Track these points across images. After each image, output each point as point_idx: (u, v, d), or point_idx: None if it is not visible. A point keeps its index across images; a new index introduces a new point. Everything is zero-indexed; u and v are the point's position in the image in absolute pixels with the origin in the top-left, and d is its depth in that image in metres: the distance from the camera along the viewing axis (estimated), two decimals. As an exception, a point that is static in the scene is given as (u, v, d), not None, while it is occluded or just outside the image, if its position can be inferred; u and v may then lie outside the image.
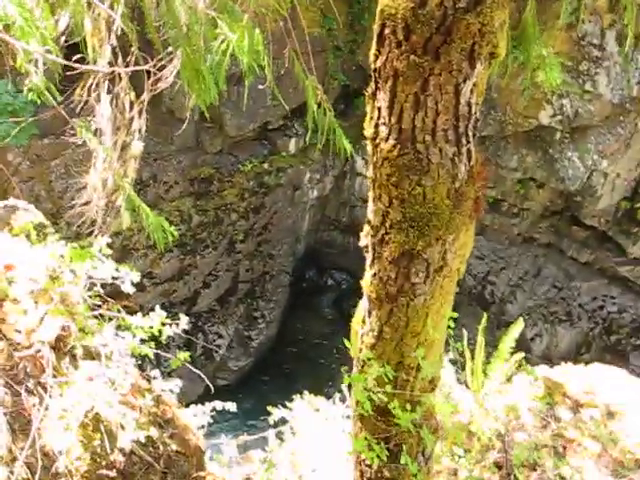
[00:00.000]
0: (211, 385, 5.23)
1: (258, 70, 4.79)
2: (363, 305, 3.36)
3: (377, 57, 2.71)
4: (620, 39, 11.98)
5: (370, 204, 3.03)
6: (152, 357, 4.07)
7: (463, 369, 8.14)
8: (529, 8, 4.55)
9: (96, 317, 3.99)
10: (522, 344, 14.33)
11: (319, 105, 4.33)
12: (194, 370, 4.58)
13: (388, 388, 3.30)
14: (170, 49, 5.22)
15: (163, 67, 5.18)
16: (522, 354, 7.85)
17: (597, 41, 12.13)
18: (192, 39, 4.88)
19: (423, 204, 2.79)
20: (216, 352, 13.54)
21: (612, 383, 7.46)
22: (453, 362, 8.61)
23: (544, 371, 7.82)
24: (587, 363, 14.68)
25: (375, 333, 3.28)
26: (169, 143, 12.85)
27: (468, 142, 2.76)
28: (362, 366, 3.39)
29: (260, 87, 5.12)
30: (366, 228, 3.11)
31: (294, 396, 6.06)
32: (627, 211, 13.71)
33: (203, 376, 4.54)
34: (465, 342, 7.84)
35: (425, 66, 2.55)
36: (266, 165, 13.56)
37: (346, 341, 3.45)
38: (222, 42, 4.58)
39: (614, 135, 12.67)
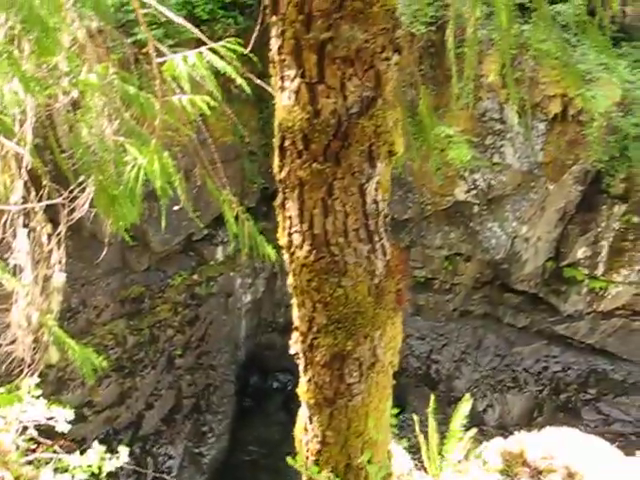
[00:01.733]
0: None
1: (173, 190, 4.81)
2: (303, 412, 3.33)
3: (281, 168, 2.78)
4: (518, 111, 12.57)
5: (295, 311, 3.04)
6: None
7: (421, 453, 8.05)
8: (422, 101, 4.73)
9: (31, 462, 3.82)
10: (475, 417, 14.34)
11: (237, 217, 4.36)
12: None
13: (341, 493, 3.23)
14: (82, 178, 5.23)
15: (77, 196, 5.17)
16: (474, 430, 7.84)
17: (497, 115, 12.69)
18: (103, 166, 4.90)
19: (346, 305, 2.82)
20: (168, 474, 13.05)
21: (568, 444, 7.48)
22: (409, 448, 8.53)
23: (500, 443, 7.80)
24: (541, 426, 14.73)
25: (319, 439, 3.24)
26: (95, 266, 12.67)
27: (381, 238, 2.82)
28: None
29: (175, 208, 5.12)
30: (294, 335, 3.11)
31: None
32: (554, 271, 14.07)
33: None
34: (417, 426, 7.79)
35: (328, 172, 2.62)
36: (196, 276, 13.49)
37: (289, 459, 3.37)
38: (133, 167, 4.62)
39: (528, 201, 13.12)
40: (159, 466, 12.94)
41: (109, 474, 4.02)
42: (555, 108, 12.34)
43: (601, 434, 14.15)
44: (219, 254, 13.70)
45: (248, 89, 3.57)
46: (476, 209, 13.39)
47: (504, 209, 13.28)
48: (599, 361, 14.54)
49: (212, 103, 3.62)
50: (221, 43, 3.42)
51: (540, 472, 7.03)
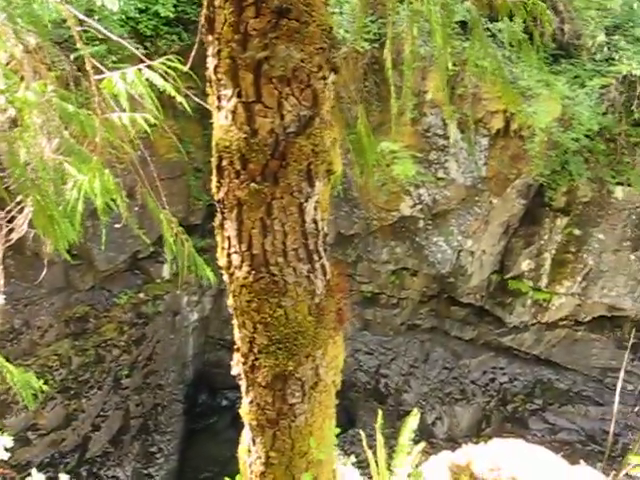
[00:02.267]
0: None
1: (115, 207, 4.74)
2: (246, 433, 3.29)
3: (219, 188, 2.75)
4: (461, 127, 12.75)
5: (236, 331, 3.01)
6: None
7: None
8: (360, 120, 4.75)
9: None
10: (424, 430, 14.44)
11: (176, 236, 4.31)
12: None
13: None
14: (20, 197, 5.12)
15: (15, 216, 5.06)
16: (423, 444, 7.88)
17: (441, 131, 12.85)
18: (41, 186, 4.80)
19: (287, 325, 2.80)
20: (116, 497, 12.81)
21: (514, 455, 7.55)
22: (359, 463, 8.52)
23: (448, 455, 7.83)
24: (489, 437, 14.90)
25: (262, 460, 3.20)
26: (38, 286, 12.40)
27: (320, 257, 2.81)
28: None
29: (117, 226, 5.04)
30: (236, 356, 3.08)
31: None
32: (499, 283, 14.28)
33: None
34: (365, 442, 7.80)
35: (266, 192, 2.61)
36: (142, 295, 13.30)
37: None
38: (73, 186, 4.53)
39: (473, 215, 13.30)
40: (106, 488, 12.70)
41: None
42: (497, 124, 12.55)
43: (548, 443, 14.44)
44: (165, 272, 13.53)
45: (188, 107, 3.55)
46: (421, 224, 13.52)
47: (449, 223, 13.43)
48: (544, 371, 14.78)
49: (153, 121, 3.59)
50: (161, 60, 3.39)
51: (487, 484, 7.08)
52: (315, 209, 2.72)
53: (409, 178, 12.79)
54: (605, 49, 12.12)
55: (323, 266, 2.82)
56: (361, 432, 7.76)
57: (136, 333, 13.30)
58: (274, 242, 2.70)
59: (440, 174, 13.03)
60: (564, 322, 14.37)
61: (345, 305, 2.92)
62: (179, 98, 3.24)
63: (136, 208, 10.94)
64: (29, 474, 4.15)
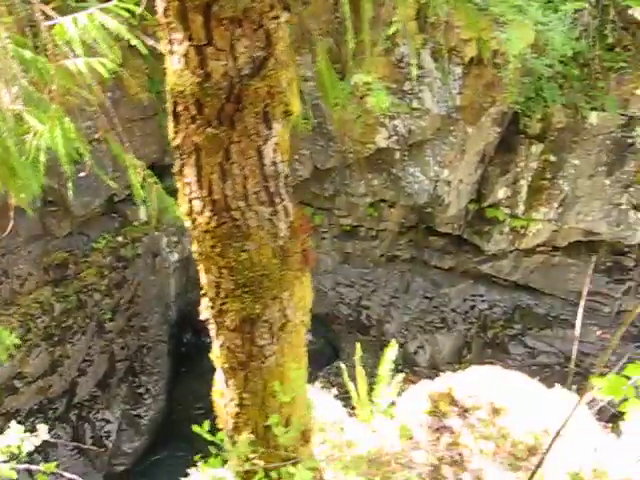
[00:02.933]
0: None
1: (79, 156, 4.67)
2: (219, 376, 3.33)
3: (176, 134, 2.72)
4: (435, 56, 12.61)
5: (202, 276, 3.02)
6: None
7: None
8: (320, 57, 4.68)
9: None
10: (407, 359, 14.73)
11: (144, 180, 4.27)
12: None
13: (261, 452, 3.27)
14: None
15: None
16: (402, 374, 8.03)
17: (414, 61, 12.69)
18: (0, 137, 4.72)
19: (252, 268, 2.81)
20: (107, 439, 13.00)
21: (492, 382, 7.73)
22: (344, 394, 8.66)
23: (428, 384, 8.00)
24: (471, 363, 15.26)
25: (236, 402, 3.25)
26: (15, 235, 12.33)
27: (282, 200, 2.80)
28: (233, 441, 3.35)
29: (82, 174, 4.98)
30: (203, 301, 3.09)
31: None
32: (476, 212, 14.34)
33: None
34: (345, 374, 7.94)
35: (223, 136, 2.58)
36: (120, 238, 13.25)
37: (195, 427, 3.38)
38: (34, 136, 4.46)
39: (448, 145, 13.26)
40: (97, 432, 12.87)
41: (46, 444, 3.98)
42: (471, 52, 12.41)
43: (527, 366, 14.76)
44: (142, 214, 13.47)
45: (144, 49, 3.47)
46: (397, 155, 13.47)
47: (425, 154, 13.40)
48: (523, 297, 14.99)
49: (110, 65, 3.51)
50: (114, 2, 3.30)
51: (467, 410, 7.27)
52: (274, 151, 2.69)
53: (384, 110, 12.69)
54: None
55: (285, 208, 2.82)
56: (342, 365, 7.89)
57: (117, 277, 13.30)
58: (234, 186, 2.68)
59: (415, 104, 12.93)
60: (541, 248, 14.51)
61: (310, 246, 2.93)
62: (134, 41, 3.16)
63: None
64: (19, 422, 4.20)
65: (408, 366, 14.43)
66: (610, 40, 12.08)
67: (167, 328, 14.39)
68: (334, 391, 8.19)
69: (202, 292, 3.03)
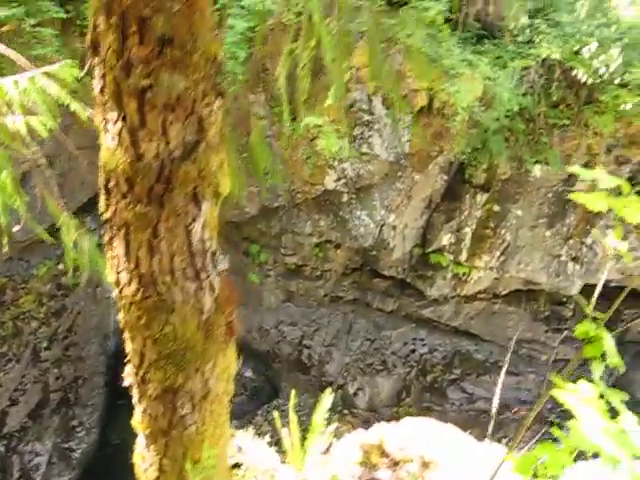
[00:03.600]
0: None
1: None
2: (140, 440, 3.35)
3: (107, 207, 2.76)
4: (385, 103, 12.87)
5: (127, 344, 3.05)
6: None
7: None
8: (254, 132, 4.78)
9: None
10: (347, 400, 14.76)
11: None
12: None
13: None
14: None
15: None
16: (336, 424, 8.06)
17: (366, 107, 12.93)
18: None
19: (175, 341, 2.85)
20: (36, 472, 12.69)
21: (423, 434, 7.82)
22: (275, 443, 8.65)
23: (360, 435, 8.05)
24: (410, 406, 15.31)
25: (156, 467, 3.27)
26: (-47, 258, 12.11)
27: (208, 275, 2.86)
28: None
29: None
30: (127, 367, 3.12)
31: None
32: (420, 257, 14.57)
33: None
34: (278, 422, 7.94)
35: (152, 214, 2.63)
36: (61, 266, 13.09)
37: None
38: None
39: (395, 190, 13.49)
40: (25, 464, 12.56)
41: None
42: (421, 101, 12.70)
43: (465, 411, 14.93)
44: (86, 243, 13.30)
45: (84, 115, 3.50)
46: (345, 198, 13.64)
47: (372, 198, 13.59)
48: (463, 342, 15.21)
49: (49, 125, 3.54)
50: (56, 66, 3.34)
51: (397, 462, 7.33)
52: (203, 229, 2.76)
53: (333, 153, 12.89)
54: (527, 32, 12.34)
55: (211, 283, 2.87)
56: (275, 413, 7.89)
57: (56, 305, 13.10)
58: (161, 262, 2.73)
59: (364, 149, 13.14)
60: (482, 295, 14.80)
61: (235, 318, 2.98)
62: (75, 106, 3.20)
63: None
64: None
65: (347, 407, 14.49)
66: (554, 98, 12.50)
67: (104, 359, 14.17)
68: (267, 438, 8.20)
69: (127, 359, 3.06)
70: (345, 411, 14.33)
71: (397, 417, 13.44)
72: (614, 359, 2.57)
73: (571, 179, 13.26)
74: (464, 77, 12.18)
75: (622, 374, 15.14)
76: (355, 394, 14.79)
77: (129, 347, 3.02)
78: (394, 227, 13.95)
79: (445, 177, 13.71)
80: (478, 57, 12.16)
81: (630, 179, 13.40)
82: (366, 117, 12.98)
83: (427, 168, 13.37)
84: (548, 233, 13.89)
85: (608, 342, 2.55)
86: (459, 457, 7.45)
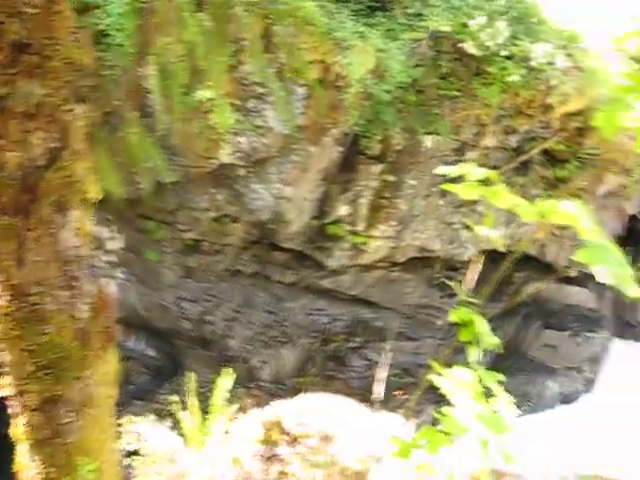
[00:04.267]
0: None
1: None
2: (22, 450, 3.27)
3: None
4: (279, 75, 12.78)
5: (4, 356, 2.96)
6: None
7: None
8: (130, 130, 4.67)
9: None
10: (252, 374, 14.82)
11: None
12: None
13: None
14: None
15: None
16: (236, 406, 8.10)
17: (259, 79, 12.80)
18: None
19: (52, 350, 2.79)
20: None
21: (321, 409, 7.95)
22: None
23: (262, 413, 8.11)
24: (315, 376, 15.51)
25: (42, 476, 3.20)
26: None
27: (83, 283, 2.79)
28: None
29: None
30: (5, 379, 3.03)
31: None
32: (318, 229, 14.64)
33: None
34: (177, 406, 7.91)
35: (18, 225, 2.54)
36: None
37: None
38: None
39: (291, 163, 13.46)
40: None
41: None
42: (314, 74, 12.68)
43: (366, 377, 15.25)
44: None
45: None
46: (241, 171, 13.53)
47: (268, 171, 13.54)
48: (363, 310, 15.48)
49: None
50: None
51: (296, 438, 7.43)
52: (75, 236, 2.69)
53: (227, 126, 12.74)
54: (417, 4, 12.47)
55: (86, 290, 2.81)
56: (173, 397, 7.86)
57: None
58: (32, 272, 2.65)
59: (258, 122, 13.03)
60: (380, 264, 15.05)
61: (113, 324, 2.94)
62: None
63: None
64: None
65: (252, 381, 14.54)
66: (444, 70, 12.72)
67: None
68: (169, 421, 8.16)
69: (4, 371, 2.97)
70: (251, 385, 14.38)
71: (303, 388, 13.67)
72: (490, 340, 2.66)
73: (462, 148, 13.60)
74: (356, 49, 12.23)
75: (516, 334, 15.88)
76: (260, 367, 14.85)
77: (6, 359, 2.93)
78: (291, 200, 13.94)
79: (340, 149, 13.77)
80: (370, 29, 12.23)
81: (517, 148, 13.89)
82: (259, 90, 12.86)
83: (322, 140, 13.40)
84: (441, 202, 14.23)
85: (481, 325, 2.63)
86: (357, 429, 7.64)
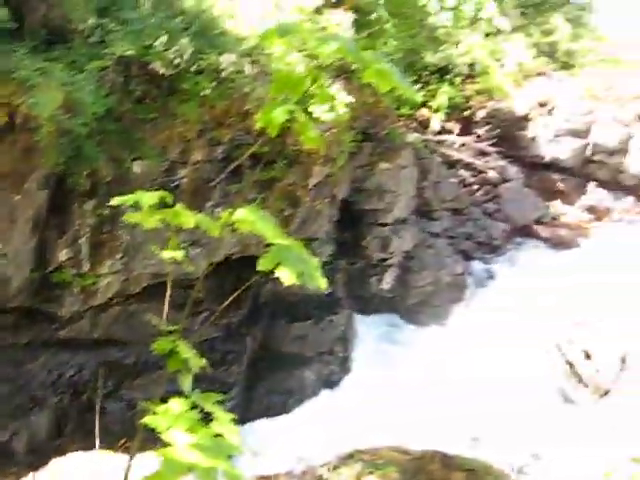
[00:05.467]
0: None
1: None
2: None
3: None
4: None
5: None
6: None
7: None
8: None
9: None
10: (6, 450, 13.58)
11: None
12: None
13: None
14: None
15: None
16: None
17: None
18: None
19: None
20: None
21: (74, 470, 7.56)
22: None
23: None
24: (74, 432, 14.58)
25: None
26: None
27: None
28: None
29: None
30: None
31: None
32: (41, 280, 13.69)
33: None
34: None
35: None
36: None
37: None
38: None
39: (-2, 218, 12.55)
40: None
41: None
42: (2, 118, 11.90)
43: (129, 419, 14.68)
44: None
45: None
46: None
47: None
48: (110, 351, 14.93)
49: None
50: None
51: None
52: None
53: None
54: (97, 32, 12.19)
55: None
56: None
57: None
58: None
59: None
60: (116, 300, 14.61)
61: None
62: None
63: None
64: None
65: (7, 458, 13.32)
66: (138, 94, 12.63)
67: None
68: None
69: None
70: (6, 461, 13.16)
71: (62, 450, 12.84)
72: (197, 363, 2.69)
73: (173, 167, 13.65)
74: (41, 87, 11.67)
75: (267, 334, 16.32)
76: (12, 441, 13.63)
77: None
78: (5, 255, 12.95)
79: (46, 192, 13.08)
80: (52, 64, 11.73)
81: (226, 158, 14.25)
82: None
83: (24, 188, 12.61)
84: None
85: (185, 351, 2.64)
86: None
